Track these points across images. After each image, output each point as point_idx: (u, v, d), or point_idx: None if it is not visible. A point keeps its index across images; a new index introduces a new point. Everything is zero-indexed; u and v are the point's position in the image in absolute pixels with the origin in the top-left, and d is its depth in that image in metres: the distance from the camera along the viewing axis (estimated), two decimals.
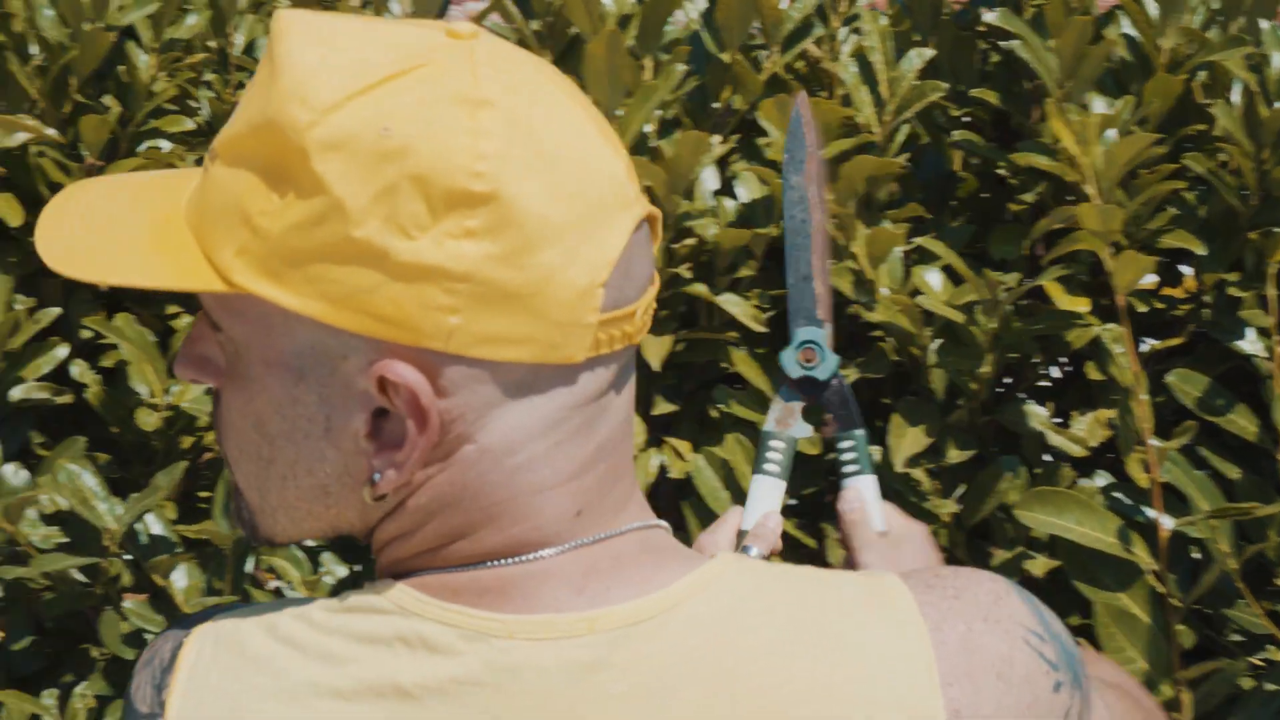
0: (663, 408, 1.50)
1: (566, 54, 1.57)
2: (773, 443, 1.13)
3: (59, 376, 1.53)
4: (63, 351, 1.51)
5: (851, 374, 1.44)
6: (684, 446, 1.47)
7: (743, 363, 1.46)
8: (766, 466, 1.13)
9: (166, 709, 0.73)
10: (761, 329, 1.46)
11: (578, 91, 0.75)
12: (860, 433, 1.13)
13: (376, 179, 0.68)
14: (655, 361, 1.44)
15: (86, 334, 1.57)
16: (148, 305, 1.60)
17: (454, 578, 0.73)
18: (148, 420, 1.49)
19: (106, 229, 0.76)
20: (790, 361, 1.12)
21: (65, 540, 1.49)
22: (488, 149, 0.68)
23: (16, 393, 1.48)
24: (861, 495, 1.10)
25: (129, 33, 1.63)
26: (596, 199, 0.70)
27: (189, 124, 1.58)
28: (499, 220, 0.68)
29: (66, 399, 1.52)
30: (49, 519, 1.50)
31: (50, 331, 1.52)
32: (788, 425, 1.14)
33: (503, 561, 0.72)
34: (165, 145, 1.58)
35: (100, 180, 0.82)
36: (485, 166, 0.68)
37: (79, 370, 1.54)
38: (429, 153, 0.68)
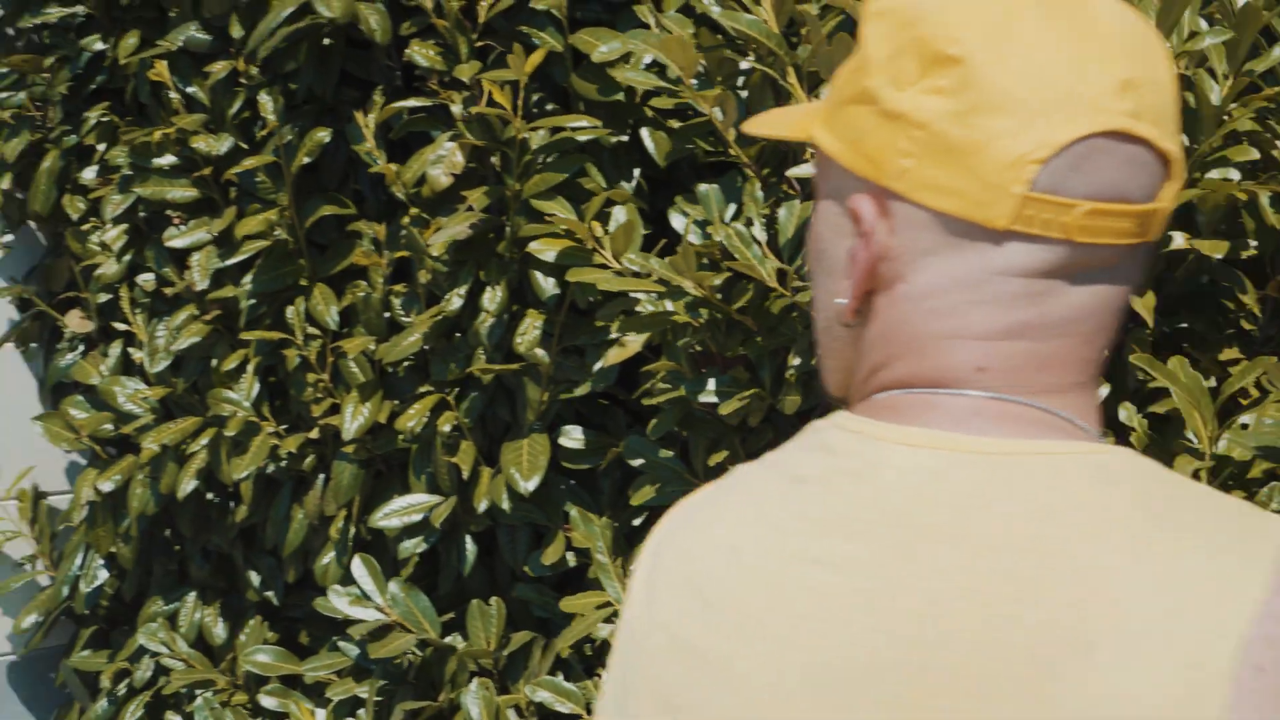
0: None
1: None
2: None
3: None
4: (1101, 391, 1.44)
5: None
6: None
7: None
8: None
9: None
10: None
11: (1116, 13, 0.80)
12: None
13: (895, 40, 0.81)
14: None
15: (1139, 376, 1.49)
16: (1205, 349, 1.49)
17: (870, 401, 0.84)
18: (1186, 468, 1.38)
19: (783, 114, 0.98)
20: None
21: None
22: (971, 23, 0.78)
23: None
24: None
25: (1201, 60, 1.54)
26: (1060, 93, 0.77)
27: (1254, 154, 1.46)
28: (963, 83, 0.78)
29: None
30: None
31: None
32: None
33: (907, 391, 0.82)
34: (1234, 174, 1.47)
35: None
36: (966, 36, 0.78)
37: (1126, 414, 1.47)
38: (934, 22, 0.79)
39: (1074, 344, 0.81)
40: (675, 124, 2.03)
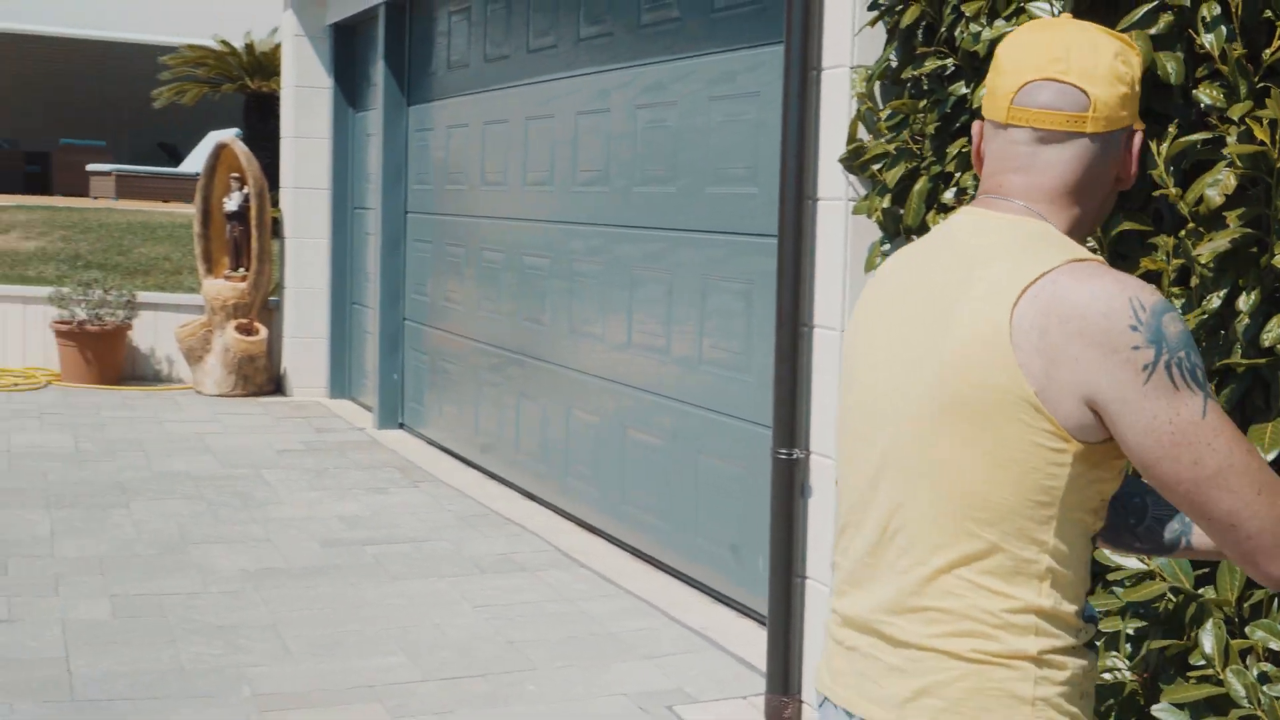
0: None
1: None
2: None
3: None
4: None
5: None
6: None
7: None
8: None
9: None
10: None
11: (1052, 26, 1.66)
12: None
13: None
14: None
15: None
16: None
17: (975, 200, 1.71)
18: None
19: None
20: None
21: None
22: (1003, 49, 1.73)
23: None
24: None
25: None
26: (1025, 65, 1.63)
27: None
28: (994, 68, 1.68)
29: None
30: None
31: None
32: None
33: (981, 196, 1.67)
34: None
35: None
36: (1001, 52, 1.70)
37: None
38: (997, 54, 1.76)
39: (1043, 177, 1.63)
40: None
